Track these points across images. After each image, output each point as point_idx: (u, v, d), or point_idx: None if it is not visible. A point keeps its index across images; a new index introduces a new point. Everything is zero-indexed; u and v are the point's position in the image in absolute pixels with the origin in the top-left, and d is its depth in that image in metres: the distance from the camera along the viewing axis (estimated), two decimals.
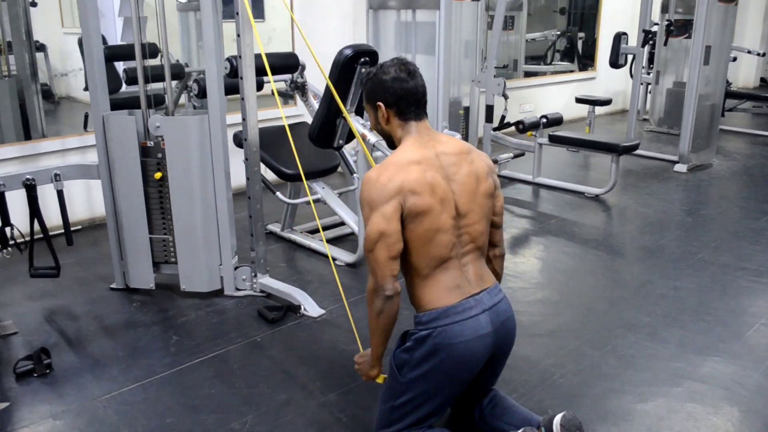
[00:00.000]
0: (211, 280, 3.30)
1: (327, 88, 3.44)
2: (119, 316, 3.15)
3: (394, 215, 1.84)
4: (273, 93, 3.52)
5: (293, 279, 3.50)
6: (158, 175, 3.17)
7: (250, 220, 3.27)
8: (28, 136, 4.82)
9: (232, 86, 3.58)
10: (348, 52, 3.24)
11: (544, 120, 5.21)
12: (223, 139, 3.15)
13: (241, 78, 3.02)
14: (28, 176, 3.10)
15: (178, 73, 4.85)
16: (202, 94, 3.29)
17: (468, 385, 2.00)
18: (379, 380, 2.09)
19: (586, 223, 4.44)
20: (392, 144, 2.04)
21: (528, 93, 7.50)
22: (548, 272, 3.61)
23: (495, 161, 5.49)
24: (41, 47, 5.18)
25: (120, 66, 4.48)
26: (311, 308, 3.13)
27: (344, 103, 3.33)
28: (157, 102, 4.24)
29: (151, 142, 3.17)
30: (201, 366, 2.70)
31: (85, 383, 2.58)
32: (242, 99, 3.05)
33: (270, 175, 3.82)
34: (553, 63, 8.60)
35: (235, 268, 3.34)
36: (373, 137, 3.29)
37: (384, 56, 4.63)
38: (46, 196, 3.24)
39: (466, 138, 5.88)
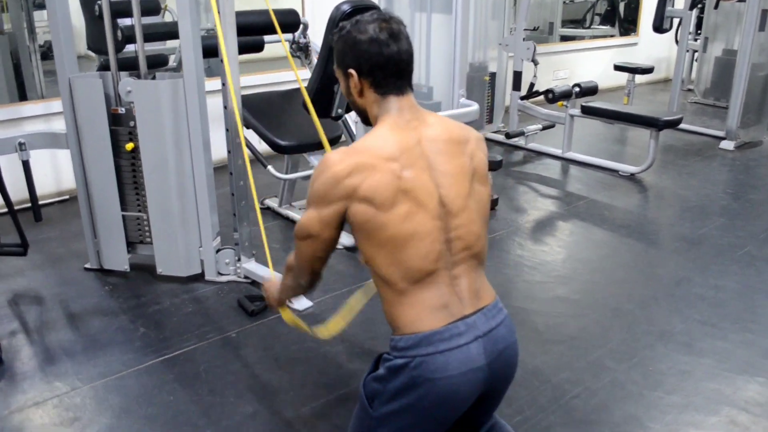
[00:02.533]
0: (189, 264, 2.97)
1: (322, 48, 3.04)
2: (87, 302, 2.84)
3: (332, 221, 1.49)
4: (286, 53, 3.09)
5: (283, 263, 3.15)
6: (130, 146, 2.83)
7: (232, 198, 2.92)
8: (23, 97, 4.55)
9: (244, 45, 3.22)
10: (345, 7, 2.82)
11: (577, 89, 4.72)
12: (202, 107, 2.78)
13: (220, 36, 2.63)
14: None
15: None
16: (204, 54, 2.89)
17: (454, 424, 1.63)
18: (284, 314, 1.91)
19: (619, 205, 3.98)
20: (368, 120, 1.63)
21: (563, 59, 6.96)
22: (572, 264, 3.20)
23: (522, 133, 5.04)
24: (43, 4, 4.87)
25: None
26: (297, 300, 2.78)
27: None
28: (158, 64, 3.89)
29: (122, 109, 2.82)
30: (163, 366, 2.38)
31: (31, 382, 2.29)
32: (221, 60, 2.67)
33: (264, 147, 3.45)
34: (592, 27, 8.00)
35: (217, 251, 3.00)
36: None
37: (396, 14, 4.23)
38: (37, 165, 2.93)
39: (491, 107, 5.44)
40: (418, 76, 4.04)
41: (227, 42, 2.63)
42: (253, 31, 3.52)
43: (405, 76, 1.55)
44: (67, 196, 4.02)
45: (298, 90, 3.69)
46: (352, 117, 3.59)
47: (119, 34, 4.01)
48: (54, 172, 4.03)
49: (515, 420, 2.06)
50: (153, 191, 2.85)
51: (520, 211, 3.89)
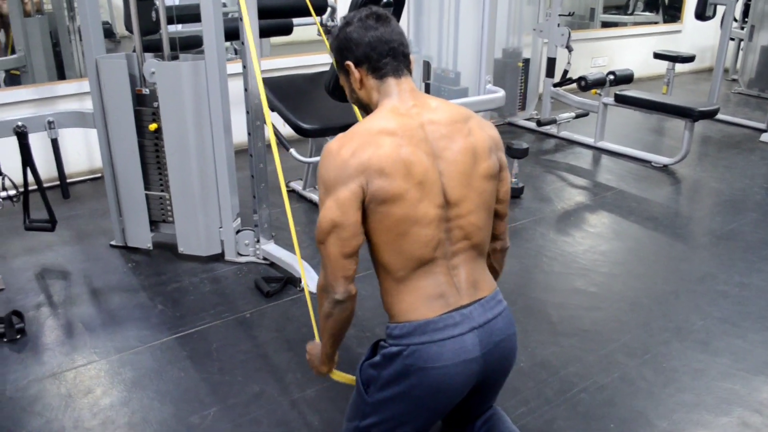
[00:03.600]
0: (209, 244, 3.02)
1: None
2: (110, 278, 2.92)
3: (351, 203, 1.44)
4: (319, 32, 3.08)
5: (304, 246, 3.18)
6: (153, 126, 2.88)
7: (252, 180, 2.95)
8: (62, 77, 4.67)
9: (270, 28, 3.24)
10: None
11: (611, 77, 4.61)
12: (223, 89, 2.80)
13: (241, 19, 2.64)
14: (19, 123, 2.87)
15: None
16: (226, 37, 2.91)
17: (451, 411, 1.63)
18: (334, 377, 1.76)
19: (648, 197, 3.89)
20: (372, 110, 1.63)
21: (603, 45, 6.79)
22: (593, 256, 3.14)
23: (554, 121, 4.96)
24: None
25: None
26: (313, 282, 2.80)
27: None
28: (194, 45, 3.93)
29: (147, 90, 2.87)
30: (177, 343, 2.43)
31: (51, 354, 2.37)
32: (242, 43, 2.69)
33: (289, 131, 3.47)
34: (634, 13, 7.78)
35: (237, 232, 3.04)
36: None
37: (421, 2, 4.19)
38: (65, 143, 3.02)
39: (524, 94, 5.36)
40: (445, 61, 4.00)
41: (249, 23, 2.64)
42: (281, 14, 3.53)
43: (399, 56, 1.54)
44: (99, 174, 4.11)
45: (323, 73, 3.70)
46: None
47: (153, 14, 4.06)
48: (87, 151, 4.13)
49: (519, 411, 2.05)
50: (175, 171, 2.90)
51: (546, 201, 3.83)
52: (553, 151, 4.83)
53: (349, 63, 1.55)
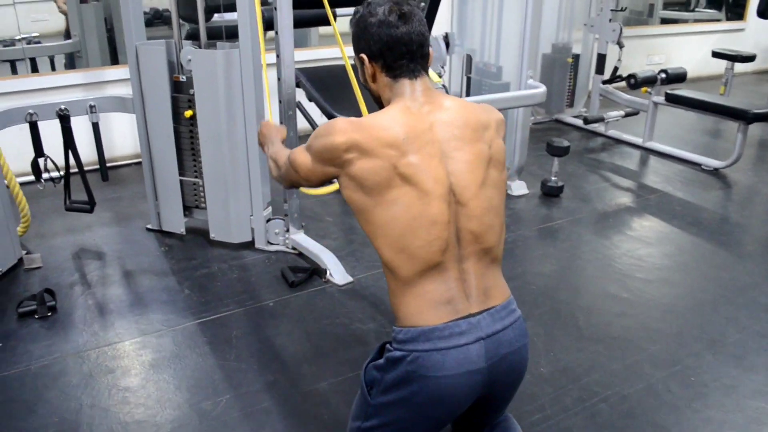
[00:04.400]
0: (240, 231, 3.05)
1: None
2: (143, 260, 2.98)
3: (320, 176, 1.56)
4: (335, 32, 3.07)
5: (333, 237, 3.18)
6: (189, 113, 2.91)
7: None
8: (115, 62, 4.78)
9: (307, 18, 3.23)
10: None
11: (663, 75, 4.44)
12: (257, 78, 2.81)
13: (275, 8, 2.64)
14: (62, 106, 2.95)
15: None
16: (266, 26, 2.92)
17: (459, 419, 1.59)
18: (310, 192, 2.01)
19: (694, 201, 3.74)
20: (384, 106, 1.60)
21: (660, 43, 6.56)
22: (629, 260, 3.03)
23: (601, 119, 4.81)
24: None
25: None
26: (338, 274, 2.79)
27: None
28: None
29: (184, 77, 2.90)
30: (199, 328, 2.46)
31: (78, 333, 2.43)
32: (276, 33, 2.69)
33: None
34: (696, 10, 7.48)
35: (267, 221, 3.06)
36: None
37: None
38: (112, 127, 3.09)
39: (573, 91, 5.23)
40: (488, 54, 3.92)
41: (282, 12, 2.64)
42: (321, 4, 3.52)
43: (416, 57, 1.51)
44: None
45: None
46: None
47: (204, 2, 4.11)
48: (132, 135, 4.21)
49: (534, 417, 1.99)
50: (208, 158, 2.93)
51: (586, 201, 3.72)
52: (599, 150, 4.70)
53: (364, 56, 1.53)
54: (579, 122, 5.09)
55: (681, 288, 2.79)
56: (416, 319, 1.45)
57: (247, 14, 2.68)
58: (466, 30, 4.02)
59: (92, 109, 3.01)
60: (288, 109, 2.83)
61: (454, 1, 4.02)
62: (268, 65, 2.74)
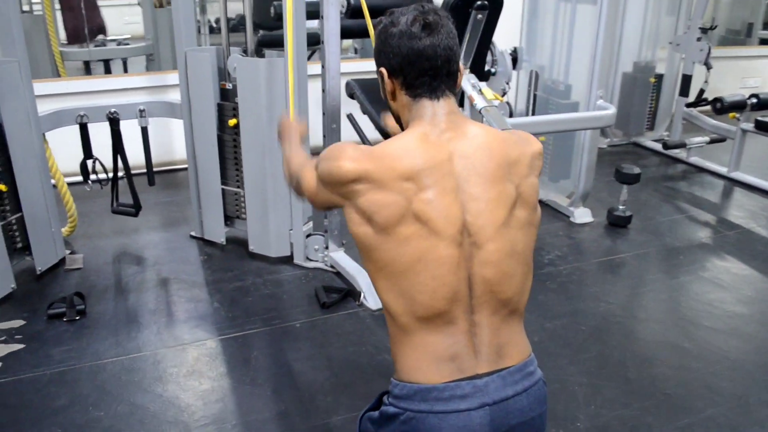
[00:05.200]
0: (279, 245, 2.95)
1: None
2: (181, 268, 2.94)
3: (326, 200, 1.36)
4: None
5: None
6: (233, 121, 2.85)
7: None
8: None
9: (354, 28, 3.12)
10: None
11: (754, 100, 4.05)
12: (301, 88, 2.71)
13: (323, 17, 2.54)
14: (112, 109, 2.96)
15: None
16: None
17: None
18: None
19: None
20: (404, 129, 1.43)
21: (756, 65, 6.07)
22: (696, 304, 2.73)
23: (683, 145, 4.46)
24: None
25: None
26: (372, 299, 2.65)
27: None
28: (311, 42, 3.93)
29: (230, 85, 2.84)
30: (221, 345, 2.37)
31: (98, 340, 2.39)
32: (322, 42, 2.58)
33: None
34: None
35: (307, 236, 2.95)
36: (481, 101, 2.67)
37: (536, 7, 3.86)
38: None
39: (653, 112, 4.88)
40: (556, 71, 3.68)
41: (329, 23, 2.53)
42: (381, 13, 3.40)
43: (441, 75, 1.31)
44: None
45: None
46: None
47: (272, 10, 4.08)
48: None
49: None
50: (249, 168, 2.85)
51: (656, 234, 3.42)
52: (678, 178, 4.35)
53: (383, 70, 1.36)
54: (659, 147, 4.74)
55: (754, 342, 2.47)
56: (414, 375, 1.26)
57: (292, 23, 2.58)
58: (535, 45, 3.80)
59: (142, 113, 3.00)
60: (332, 122, 2.72)
61: (525, 10, 3.80)
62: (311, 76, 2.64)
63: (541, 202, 3.77)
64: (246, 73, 2.70)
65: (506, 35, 3.73)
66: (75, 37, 4.90)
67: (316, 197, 1.39)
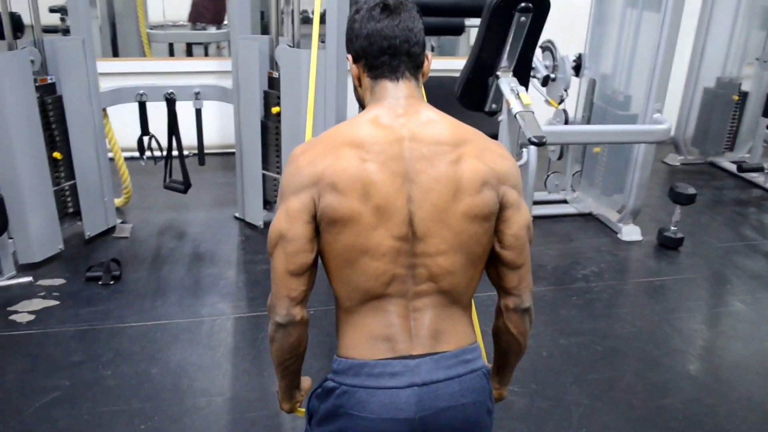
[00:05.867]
0: None
1: (477, 38, 2.82)
2: (218, 247, 3.07)
3: (300, 214, 1.26)
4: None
5: None
6: (276, 109, 2.94)
7: None
8: None
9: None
10: None
11: None
12: (341, 81, 2.76)
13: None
14: (170, 90, 3.12)
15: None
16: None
17: None
18: (300, 413, 1.60)
19: None
20: None
21: None
22: (728, 339, 2.57)
23: (761, 168, 4.18)
24: None
25: None
26: None
27: (497, 57, 2.70)
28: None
29: (277, 73, 2.93)
30: (234, 323, 2.47)
31: (123, 306, 2.54)
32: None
33: None
34: None
35: None
36: (517, 106, 2.62)
37: (603, 13, 3.69)
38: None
39: (734, 131, 4.61)
40: (618, 81, 3.55)
41: None
42: (447, 12, 3.39)
43: (400, 54, 1.30)
44: None
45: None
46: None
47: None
48: None
49: None
50: (287, 156, 2.93)
51: (707, 259, 3.23)
52: (749, 203, 4.08)
53: (349, 56, 1.38)
54: (733, 168, 4.47)
55: None
56: (351, 351, 1.29)
57: (335, 16, 2.64)
58: (600, 53, 3.67)
59: (197, 96, 3.15)
60: None
61: (590, 20, 3.68)
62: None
63: (589, 215, 3.65)
64: (289, 63, 2.78)
65: (571, 42, 3.63)
66: (199, 17, 5.05)
67: (292, 220, 1.26)
